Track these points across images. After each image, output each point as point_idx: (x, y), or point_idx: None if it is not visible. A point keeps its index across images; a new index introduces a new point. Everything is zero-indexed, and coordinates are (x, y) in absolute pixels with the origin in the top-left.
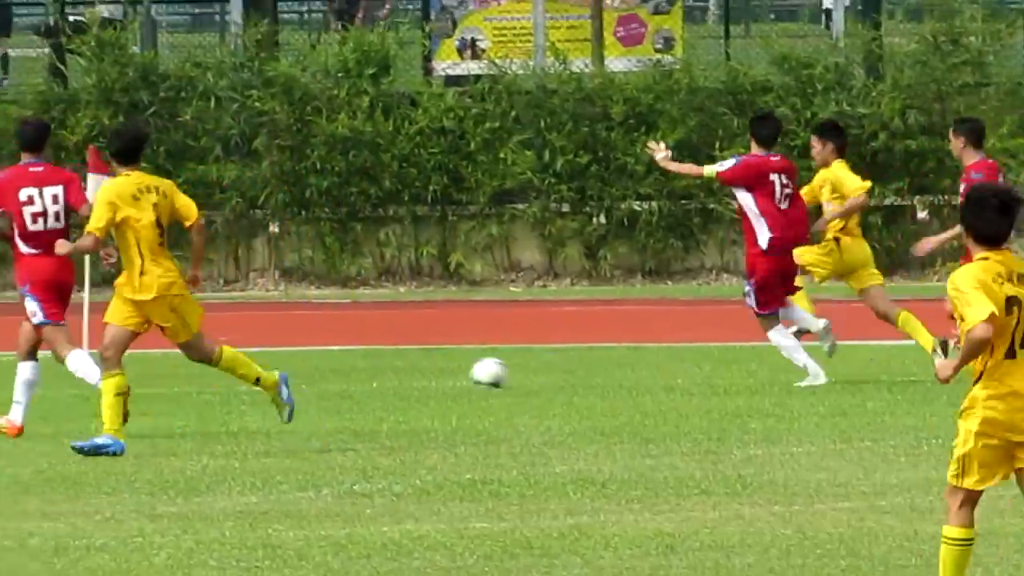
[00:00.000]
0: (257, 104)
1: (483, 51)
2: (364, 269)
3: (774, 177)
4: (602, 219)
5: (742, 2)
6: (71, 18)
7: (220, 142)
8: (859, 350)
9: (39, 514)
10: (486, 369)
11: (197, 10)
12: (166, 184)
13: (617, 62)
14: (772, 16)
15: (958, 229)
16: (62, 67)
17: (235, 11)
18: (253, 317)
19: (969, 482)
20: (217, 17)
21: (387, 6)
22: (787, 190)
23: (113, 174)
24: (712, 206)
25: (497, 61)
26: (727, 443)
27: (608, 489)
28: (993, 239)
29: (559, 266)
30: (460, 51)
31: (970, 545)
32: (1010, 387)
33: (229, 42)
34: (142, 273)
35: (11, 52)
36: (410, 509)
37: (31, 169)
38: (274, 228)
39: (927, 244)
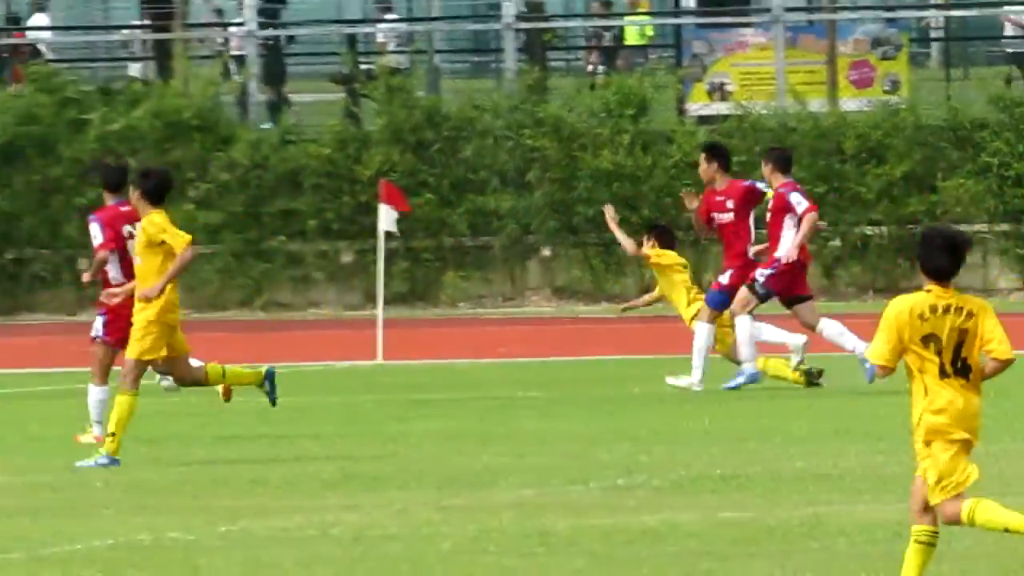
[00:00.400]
0: (529, 141)
1: (730, 94)
2: (626, 288)
3: None
4: (837, 242)
5: (960, 48)
6: (363, 67)
7: (497, 175)
8: None
9: (340, 507)
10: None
11: (476, 59)
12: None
13: (850, 102)
14: (988, 61)
15: None
16: (356, 110)
17: (509, 59)
18: (529, 331)
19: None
20: (493, 65)
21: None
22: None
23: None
24: None
25: (743, 102)
26: None
27: (843, 482)
28: (936, 274)
29: None
30: (710, 94)
31: None
32: (946, 400)
33: (504, 87)
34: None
35: (307, 97)
36: (667, 501)
37: (123, 208)
38: (546, 251)
39: None
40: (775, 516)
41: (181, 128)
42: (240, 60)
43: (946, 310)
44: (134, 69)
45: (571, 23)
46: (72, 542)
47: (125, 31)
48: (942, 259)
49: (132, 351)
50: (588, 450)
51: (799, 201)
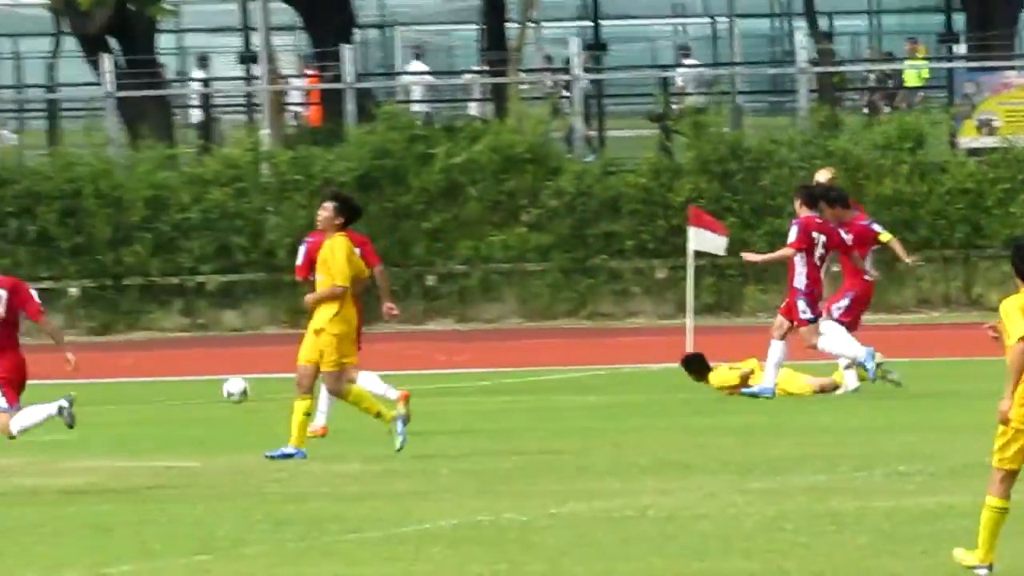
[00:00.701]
0: None
1: (996, 129)
2: (905, 299)
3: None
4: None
5: None
6: (673, 107)
7: (791, 201)
8: None
9: (655, 491)
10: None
11: (773, 99)
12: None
13: None
14: None
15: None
16: (668, 144)
17: (802, 99)
18: None
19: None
20: (788, 104)
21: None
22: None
23: None
24: None
25: (1008, 137)
26: None
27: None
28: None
29: None
30: (978, 129)
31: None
32: None
33: (798, 123)
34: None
35: (625, 133)
36: (943, 485)
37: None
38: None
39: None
40: None
41: (515, 161)
42: (566, 101)
43: None
44: (472, 109)
45: (857, 67)
46: (421, 522)
47: (467, 76)
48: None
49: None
50: (873, 440)
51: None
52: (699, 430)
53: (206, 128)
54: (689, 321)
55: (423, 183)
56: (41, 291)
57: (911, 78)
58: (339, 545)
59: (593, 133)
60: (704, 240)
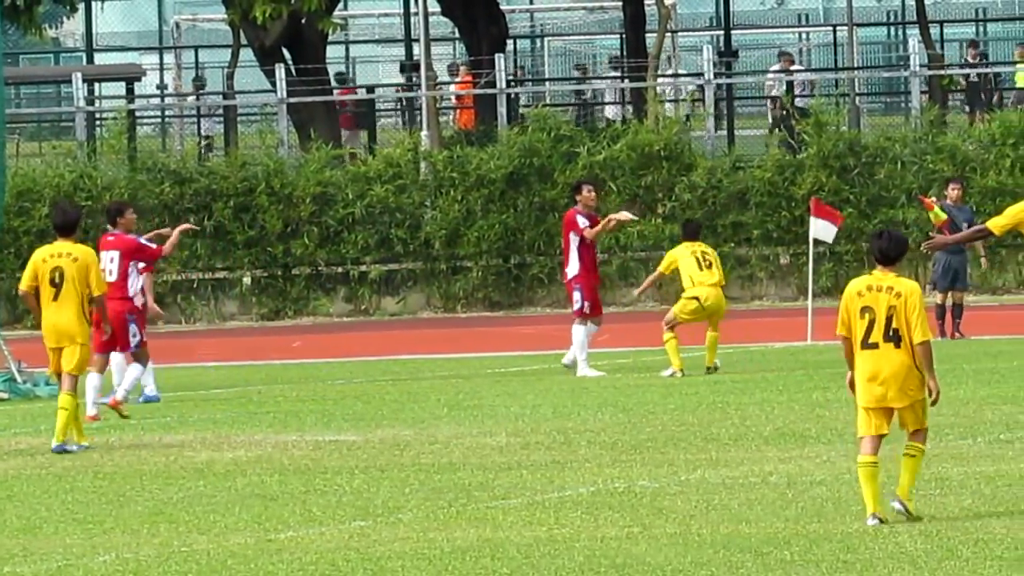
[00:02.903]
0: (930, 166)
1: None
2: (1007, 281)
3: None
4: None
5: None
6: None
7: (904, 193)
8: None
9: (776, 459)
10: None
11: (888, 99)
12: None
13: None
14: None
15: None
16: (792, 141)
17: (915, 100)
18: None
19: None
20: (902, 104)
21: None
22: None
23: None
24: None
25: None
26: None
27: None
28: (877, 260)
29: None
30: None
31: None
32: (865, 371)
33: (911, 122)
34: None
35: (753, 132)
36: None
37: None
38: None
39: None
40: None
41: (652, 158)
42: (700, 103)
43: (880, 288)
44: (609, 111)
45: (965, 71)
46: (561, 490)
47: (608, 80)
48: (876, 250)
49: None
50: (976, 411)
51: None
52: (817, 403)
53: (371, 131)
54: (810, 303)
55: (567, 179)
56: (216, 280)
57: (1022, 80)
58: (486, 511)
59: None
60: (820, 229)
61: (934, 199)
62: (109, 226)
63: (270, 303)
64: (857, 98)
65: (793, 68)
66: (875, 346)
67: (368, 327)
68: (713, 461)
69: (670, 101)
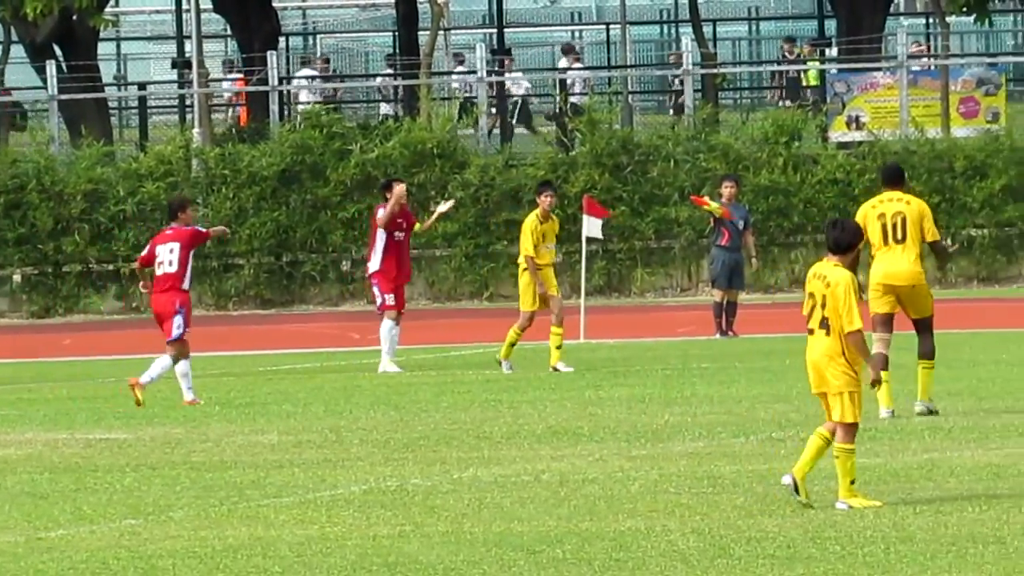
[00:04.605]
0: (703, 164)
1: (864, 124)
2: (779, 280)
3: None
4: (949, 241)
5: None
6: (570, 103)
7: (677, 191)
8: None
9: (549, 457)
10: None
11: (660, 98)
12: None
13: (959, 130)
14: None
15: None
16: (565, 139)
17: (688, 97)
18: (702, 315)
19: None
20: (675, 102)
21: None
22: None
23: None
24: None
25: (874, 131)
26: None
27: (952, 432)
28: (829, 248)
29: None
30: (848, 124)
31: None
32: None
33: (684, 120)
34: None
35: (525, 129)
36: None
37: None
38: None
39: None
40: (899, 461)
41: (426, 156)
42: (472, 101)
43: (820, 276)
44: (385, 108)
45: (738, 69)
46: (333, 488)
47: (379, 79)
48: (828, 238)
49: None
50: (749, 410)
51: None
52: (590, 401)
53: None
54: (583, 301)
55: (340, 177)
56: None
57: (812, 77)
58: (258, 509)
59: (495, 129)
60: (592, 227)
61: (707, 197)
62: (170, 220)
63: (40, 300)
64: (630, 96)
65: (569, 67)
66: (811, 332)
67: (139, 325)
68: (486, 459)
69: (443, 99)
